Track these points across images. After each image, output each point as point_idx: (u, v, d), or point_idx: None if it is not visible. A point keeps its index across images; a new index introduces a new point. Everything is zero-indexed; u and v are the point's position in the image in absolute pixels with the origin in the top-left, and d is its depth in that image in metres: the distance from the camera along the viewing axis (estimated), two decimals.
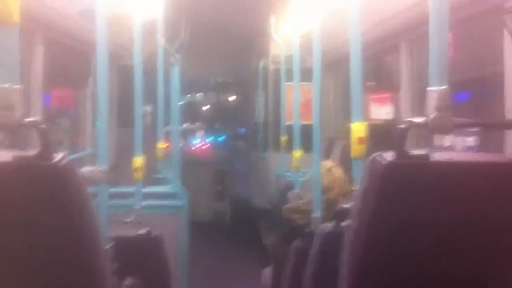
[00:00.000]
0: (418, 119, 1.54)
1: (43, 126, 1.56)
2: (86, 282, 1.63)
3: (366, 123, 2.51)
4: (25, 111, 1.66)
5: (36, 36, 3.75)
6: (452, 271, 1.63)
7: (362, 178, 1.66)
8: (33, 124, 1.58)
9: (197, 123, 9.77)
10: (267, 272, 4.46)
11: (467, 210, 1.54)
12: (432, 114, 1.51)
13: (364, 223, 1.61)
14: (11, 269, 1.56)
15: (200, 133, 9.69)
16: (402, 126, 1.53)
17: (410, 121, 1.54)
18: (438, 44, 1.60)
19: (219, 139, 9.67)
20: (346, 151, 5.45)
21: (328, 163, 3.81)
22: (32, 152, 1.55)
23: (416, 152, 1.53)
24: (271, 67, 7.61)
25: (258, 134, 8.12)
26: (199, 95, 10.00)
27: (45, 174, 1.54)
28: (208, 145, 9.55)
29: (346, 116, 6.14)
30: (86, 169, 2.60)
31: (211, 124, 9.86)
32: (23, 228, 1.56)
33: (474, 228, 1.56)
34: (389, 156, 1.54)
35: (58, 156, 1.57)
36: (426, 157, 1.52)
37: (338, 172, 3.88)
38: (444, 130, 1.50)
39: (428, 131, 1.51)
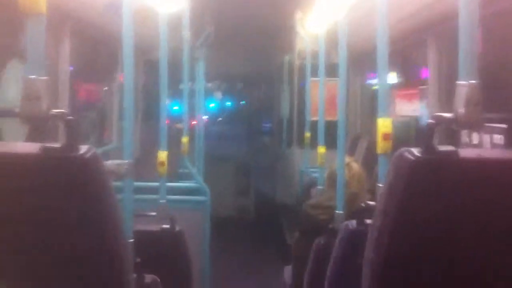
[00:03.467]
0: (447, 114, 1.51)
1: (70, 118, 1.57)
2: (107, 276, 1.63)
3: (391, 118, 2.47)
4: (52, 103, 1.67)
5: (63, 29, 3.78)
6: (481, 272, 1.59)
7: (388, 174, 1.64)
8: (60, 116, 1.59)
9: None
10: (288, 270, 4.45)
11: (496, 208, 1.50)
12: (461, 109, 1.48)
13: (389, 221, 1.59)
14: (34, 260, 1.57)
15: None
16: (430, 121, 1.51)
17: (439, 116, 1.52)
18: (468, 38, 1.57)
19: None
20: (370, 148, 5.42)
21: (346, 159, 3.76)
22: (58, 144, 1.57)
23: (444, 148, 1.50)
24: (297, 62, 7.57)
25: (282, 130, 8.10)
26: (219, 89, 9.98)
27: (71, 166, 1.55)
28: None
29: (372, 113, 6.11)
30: (111, 163, 2.62)
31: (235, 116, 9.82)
32: (47, 219, 1.57)
33: (504, 228, 1.52)
34: (416, 151, 1.52)
35: (84, 148, 1.57)
36: (454, 153, 1.48)
37: (356, 167, 3.84)
38: (474, 125, 1.47)
39: (457, 126, 1.48)
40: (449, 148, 1.50)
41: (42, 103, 1.62)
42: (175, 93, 5.85)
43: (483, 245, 1.54)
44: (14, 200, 1.56)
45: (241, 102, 10.22)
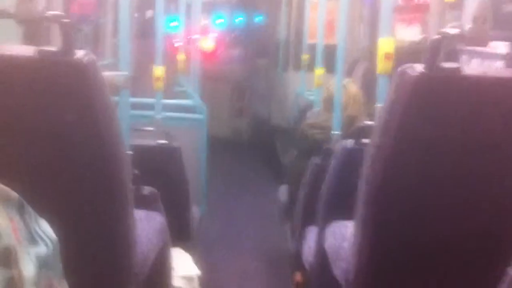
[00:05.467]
0: (453, 30, 1.48)
1: (66, 20, 1.53)
2: (106, 184, 1.62)
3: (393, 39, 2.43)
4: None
5: None
6: (476, 194, 1.60)
7: (389, 91, 1.62)
8: (56, 18, 1.54)
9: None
10: (283, 189, 4.50)
11: (498, 126, 1.50)
12: (468, 24, 1.44)
13: (389, 137, 1.59)
14: (29, 166, 1.55)
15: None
16: (436, 36, 1.47)
17: (445, 31, 1.48)
18: None
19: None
20: (369, 71, 5.36)
21: (344, 80, 3.73)
22: (54, 47, 1.53)
23: (448, 65, 1.48)
24: None
25: (279, 52, 8.00)
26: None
27: (68, 70, 1.52)
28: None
29: (371, 36, 6.01)
30: (108, 74, 2.57)
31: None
32: (44, 125, 1.55)
33: (504, 146, 1.52)
34: (419, 68, 1.50)
35: (81, 53, 1.54)
36: (458, 70, 1.47)
37: (353, 88, 3.81)
38: (481, 41, 1.45)
39: (464, 42, 1.45)
40: (453, 64, 1.48)
41: (37, 4, 1.57)
42: (172, 8, 5.70)
43: (484, 164, 1.54)
44: (9, 104, 1.54)
45: (255, 18, 9.64)
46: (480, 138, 1.51)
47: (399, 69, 1.56)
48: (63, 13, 1.53)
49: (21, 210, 0.93)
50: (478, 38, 1.45)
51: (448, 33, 1.49)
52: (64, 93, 1.53)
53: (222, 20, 9.43)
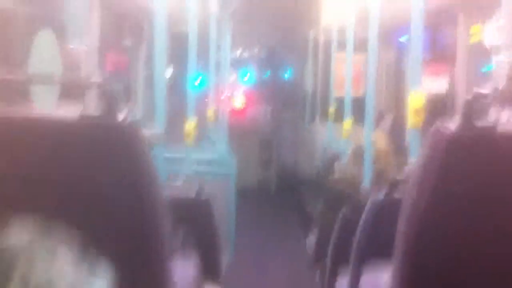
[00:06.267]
0: (485, 90, 1.50)
1: (109, 86, 1.59)
2: (148, 247, 1.64)
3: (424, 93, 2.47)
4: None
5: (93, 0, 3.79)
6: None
7: (423, 149, 1.64)
8: (99, 85, 1.60)
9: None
10: (311, 240, 4.49)
11: None
12: (500, 84, 1.47)
13: (424, 196, 1.59)
14: (72, 231, 1.58)
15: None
16: (469, 97, 1.50)
17: (478, 91, 1.51)
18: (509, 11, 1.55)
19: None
20: (396, 123, 5.38)
21: (373, 135, 3.75)
22: (97, 112, 1.58)
23: (482, 123, 1.50)
24: (322, 37, 7.52)
25: (306, 105, 8.09)
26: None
27: (111, 133, 1.56)
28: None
29: (397, 89, 6.06)
30: (145, 132, 2.64)
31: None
32: (86, 189, 1.58)
33: None
34: (453, 126, 1.51)
35: (122, 116, 1.59)
36: (493, 129, 1.48)
37: (382, 142, 3.83)
38: None
39: (497, 101, 1.47)
40: (487, 123, 1.49)
41: (81, 71, 1.64)
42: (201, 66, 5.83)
43: None
44: (53, 168, 1.58)
45: (282, 72, 9.69)
46: None
47: (433, 127, 1.58)
48: (105, 80, 1.59)
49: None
50: (510, 97, 1.47)
51: (481, 93, 1.52)
52: (107, 156, 1.58)
53: (249, 76, 9.54)
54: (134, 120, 1.59)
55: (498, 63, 1.52)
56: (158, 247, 1.65)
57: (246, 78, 9.47)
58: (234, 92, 8.99)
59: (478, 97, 1.50)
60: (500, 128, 1.48)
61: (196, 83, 5.88)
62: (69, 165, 1.57)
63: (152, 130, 2.62)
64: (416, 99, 2.37)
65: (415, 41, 2.41)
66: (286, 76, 9.52)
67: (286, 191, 8.36)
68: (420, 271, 1.64)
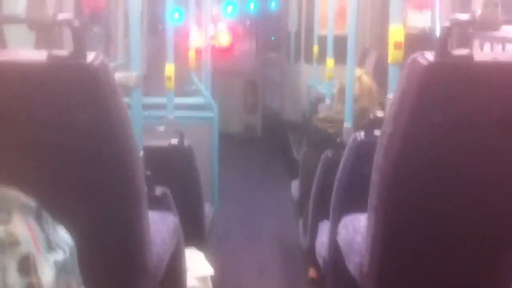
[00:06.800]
0: (463, 16, 1.46)
1: (77, 24, 1.54)
2: (120, 186, 1.63)
3: (402, 26, 2.41)
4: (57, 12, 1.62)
5: None
6: (492, 176, 1.58)
7: (400, 81, 1.61)
8: (66, 22, 1.55)
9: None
10: (296, 184, 4.49)
11: (510, 111, 1.49)
12: (478, 10, 1.43)
13: (401, 127, 1.58)
14: (43, 170, 1.56)
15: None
16: (446, 24, 1.46)
17: (455, 18, 1.47)
18: None
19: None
20: (380, 61, 5.33)
21: (357, 71, 3.70)
22: (65, 51, 1.54)
23: (459, 51, 1.47)
24: None
25: (290, 44, 7.97)
26: None
27: (79, 74, 1.53)
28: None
29: (383, 25, 5.96)
30: (119, 75, 2.58)
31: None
32: (57, 128, 1.56)
33: None
34: (430, 55, 1.49)
35: (92, 56, 1.55)
36: (469, 57, 1.46)
37: (367, 80, 3.79)
38: (492, 26, 1.43)
39: (475, 28, 1.44)
40: (464, 51, 1.47)
41: (47, 8, 1.58)
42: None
43: (497, 149, 1.53)
44: (22, 110, 1.55)
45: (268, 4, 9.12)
46: (493, 124, 1.50)
47: (410, 57, 1.55)
48: (72, 17, 1.54)
49: (39, 218, 0.95)
50: (489, 23, 1.43)
51: (458, 20, 1.48)
52: (77, 97, 1.54)
53: (232, 8, 8.92)
54: (103, 59, 1.55)
55: None
56: (132, 192, 1.63)
57: (229, 11, 8.99)
58: (217, 26, 8.68)
59: (456, 24, 1.47)
60: (477, 56, 1.45)
61: (175, 16, 5.71)
62: (38, 106, 1.54)
63: (129, 73, 2.56)
64: (396, 33, 2.32)
65: None
66: (273, 8, 9.08)
67: (273, 135, 8.33)
68: (395, 207, 1.64)
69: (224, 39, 8.85)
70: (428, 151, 1.58)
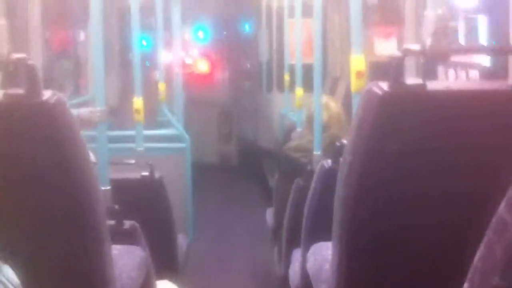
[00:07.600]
0: (414, 46, 1.49)
1: (31, 62, 1.53)
2: (80, 223, 1.60)
3: (363, 56, 2.45)
4: (23, 50, 1.62)
5: None
6: (449, 202, 1.60)
7: (357, 110, 1.63)
8: (21, 61, 1.54)
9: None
10: (270, 212, 4.48)
11: (464, 140, 1.50)
12: (428, 39, 1.46)
13: (358, 157, 1.59)
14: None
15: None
16: (397, 54, 1.49)
17: (406, 48, 1.49)
18: None
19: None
20: (349, 89, 5.38)
21: (323, 98, 3.72)
22: (20, 90, 1.53)
23: (412, 81, 1.49)
24: (275, 3, 7.46)
25: (262, 74, 8.03)
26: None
27: (35, 112, 1.52)
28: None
29: (348, 53, 6.03)
30: (84, 110, 2.58)
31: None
32: (14, 166, 1.54)
33: (473, 160, 1.52)
34: (384, 85, 1.51)
35: (48, 94, 1.54)
36: (423, 86, 1.48)
37: (334, 107, 3.81)
38: (442, 56, 1.46)
39: (425, 58, 1.46)
40: (417, 81, 1.49)
41: (1, 48, 1.57)
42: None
43: (452, 175, 1.54)
44: None
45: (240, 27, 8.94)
46: (448, 150, 1.52)
47: (365, 87, 1.57)
48: (26, 56, 1.53)
49: None
50: (439, 52, 1.46)
51: (410, 50, 1.51)
52: (33, 135, 1.53)
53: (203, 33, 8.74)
54: (59, 97, 1.54)
55: (426, 17, 1.50)
56: (91, 229, 1.61)
57: (200, 36, 8.71)
58: (188, 52, 8.57)
59: (407, 54, 1.49)
60: (430, 85, 1.47)
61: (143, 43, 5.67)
62: None
63: (93, 108, 2.55)
64: (357, 63, 2.35)
65: (355, 2, 2.38)
66: (243, 33, 9.03)
67: (249, 163, 8.32)
68: (358, 235, 1.64)
69: (203, 66, 8.79)
70: (387, 179, 1.59)
